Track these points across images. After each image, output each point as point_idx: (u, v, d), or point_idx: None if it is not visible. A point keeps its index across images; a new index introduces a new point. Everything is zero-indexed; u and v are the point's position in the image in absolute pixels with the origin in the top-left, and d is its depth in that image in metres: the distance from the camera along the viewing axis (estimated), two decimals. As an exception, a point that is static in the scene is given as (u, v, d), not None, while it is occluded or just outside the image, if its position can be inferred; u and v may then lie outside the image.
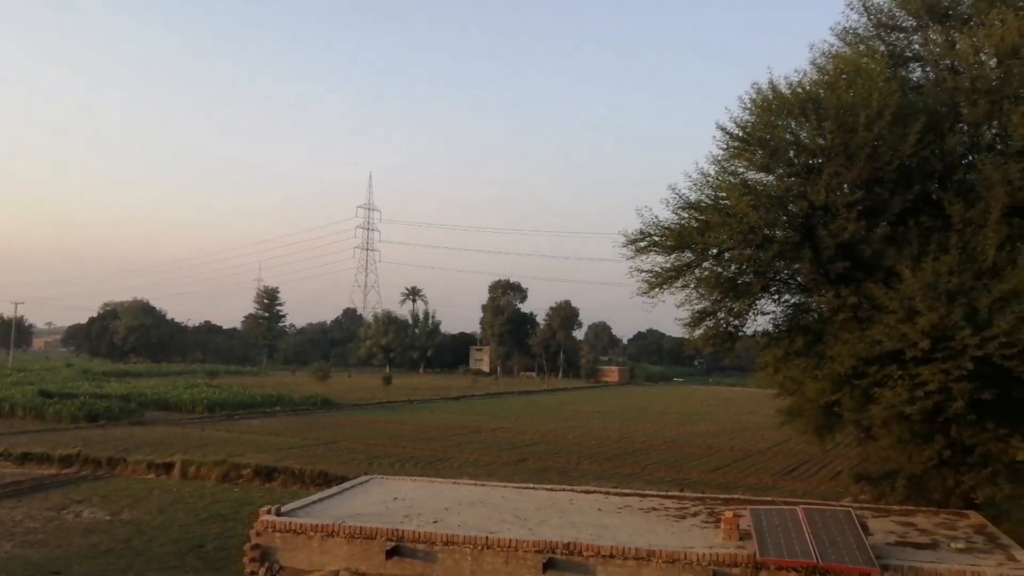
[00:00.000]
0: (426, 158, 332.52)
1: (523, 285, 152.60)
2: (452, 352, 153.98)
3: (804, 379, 18.49)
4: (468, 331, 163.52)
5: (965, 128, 17.24)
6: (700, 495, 19.83)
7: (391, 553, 14.06)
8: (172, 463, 33.79)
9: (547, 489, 19.32)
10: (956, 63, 18.29)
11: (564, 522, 15.21)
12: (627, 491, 19.76)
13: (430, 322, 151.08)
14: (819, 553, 12.69)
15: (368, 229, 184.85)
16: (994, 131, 17.23)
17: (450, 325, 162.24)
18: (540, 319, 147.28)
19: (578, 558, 13.37)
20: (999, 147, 16.83)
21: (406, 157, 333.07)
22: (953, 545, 13.83)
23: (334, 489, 18.70)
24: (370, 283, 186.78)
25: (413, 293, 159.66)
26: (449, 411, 70.10)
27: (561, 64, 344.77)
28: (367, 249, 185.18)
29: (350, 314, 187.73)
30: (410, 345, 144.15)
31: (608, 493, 18.85)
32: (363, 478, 19.79)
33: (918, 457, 16.79)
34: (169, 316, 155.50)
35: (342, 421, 58.26)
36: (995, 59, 17.30)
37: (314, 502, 16.68)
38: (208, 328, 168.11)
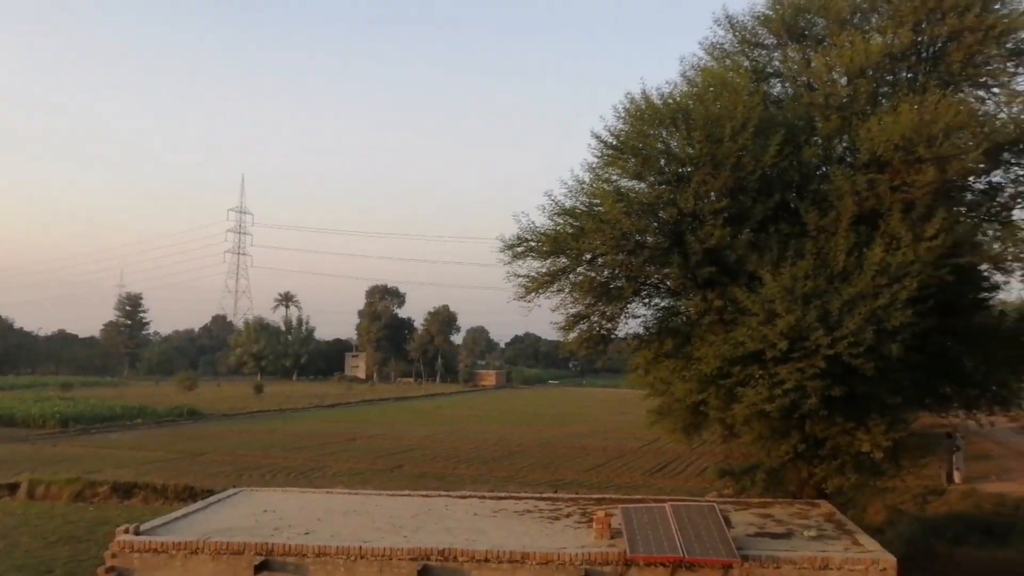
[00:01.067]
0: (302, 161, 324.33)
1: (401, 290, 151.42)
2: (327, 359, 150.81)
3: (673, 380, 19.12)
4: (344, 337, 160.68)
5: (819, 141, 18.30)
6: (574, 496, 20.17)
7: (260, 568, 13.51)
8: (17, 483, 31.43)
9: (423, 495, 19.14)
10: (811, 80, 19.45)
11: (440, 528, 15.08)
12: (502, 494, 19.85)
13: (304, 328, 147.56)
14: (685, 547, 13.13)
15: (240, 233, 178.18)
16: (844, 145, 18.37)
17: (325, 331, 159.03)
18: (418, 324, 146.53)
19: (453, 564, 13.27)
20: (849, 160, 17.96)
21: (281, 159, 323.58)
22: (806, 533, 14.61)
23: (199, 504, 17.83)
24: (241, 288, 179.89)
25: (286, 299, 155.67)
26: (323, 419, 68.63)
27: (440, 66, 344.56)
28: (239, 253, 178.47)
29: (220, 321, 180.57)
30: (283, 352, 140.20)
31: (484, 497, 18.85)
32: (231, 491, 18.98)
33: (776, 452, 17.64)
34: (17, 325, 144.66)
35: (210, 432, 55.99)
36: (845, 78, 18.51)
37: (177, 518, 15.83)
38: (62, 337, 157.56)
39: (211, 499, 18.21)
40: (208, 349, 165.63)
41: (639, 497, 20.03)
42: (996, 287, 19.25)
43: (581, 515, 16.30)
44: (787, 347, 15.26)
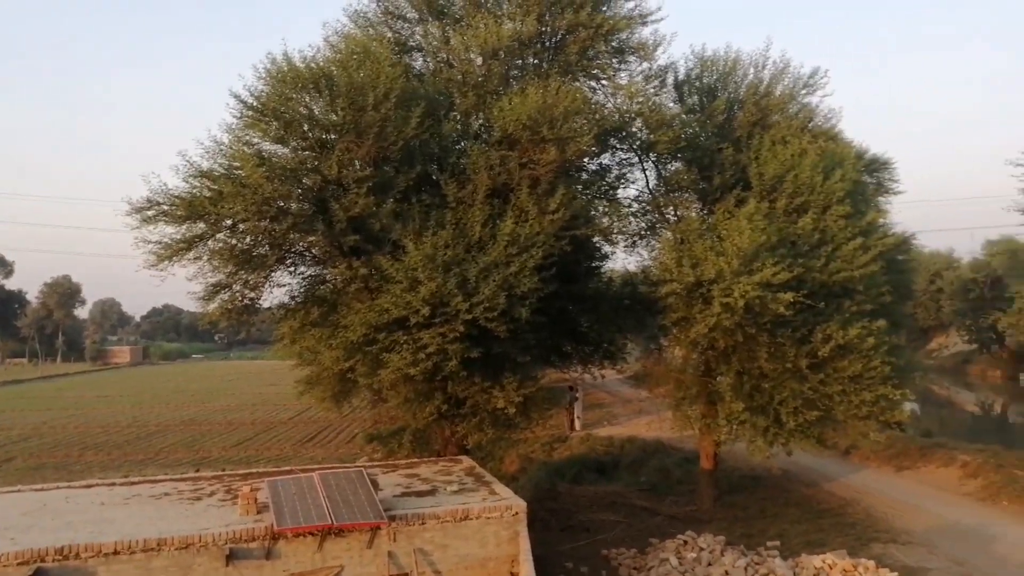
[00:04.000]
0: None
1: (8, 258, 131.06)
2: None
3: (320, 348, 19.02)
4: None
5: (458, 117, 19.19)
6: (218, 473, 19.24)
7: None
8: None
9: (37, 490, 16.91)
10: (451, 57, 20.31)
11: (58, 524, 13.46)
12: (136, 479, 18.29)
13: None
14: (333, 514, 13.24)
15: None
16: (480, 121, 19.49)
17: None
18: (32, 297, 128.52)
19: (75, 562, 11.95)
20: (484, 136, 19.10)
21: None
22: (448, 489, 15.55)
23: None
24: None
25: None
26: (-96, 413, 57.44)
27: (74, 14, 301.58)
28: None
29: None
30: None
31: (113, 484, 17.20)
32: None
33: (421, 413, 18.41)
34: None
35: None
36: (480, 58, 19.61)
37: None
38: None
39: None
40: None
41: (288, 468, 19.71)
42: (605, 256, 22.02)
43: (226, 493, 15.64)
44: (429, 313, 15.91)
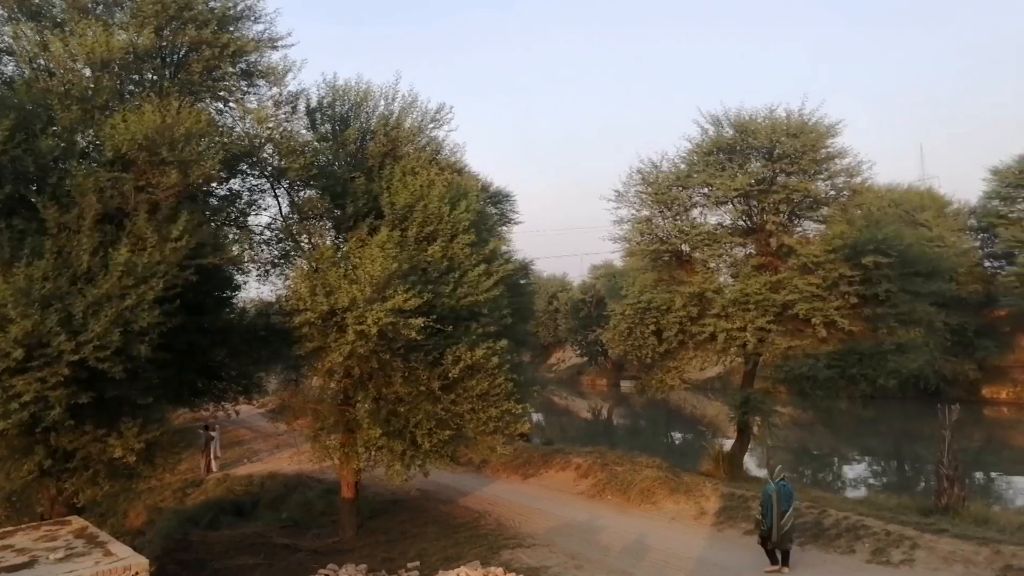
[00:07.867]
0: None
1: None
2: None
3: None
4: None
5: (60, 132, 17.02)
6: None
7: None
8: None
9: None
10: (51, 65, 17.99)
11: None
12: None
13: None
14: None
15: None
16: (89, 139, 17.51)
17: None
18: None
19: None
20: (93, 155, 17.20)
21: None
22: (52, 556, 13.52)
23: None
24: None
25: None
26: None
27: None
28: None
29: None
30: None
31: None
32: None
33: (17, 473, 15.88)
34: None
35: None
36: (88, 68, 17.66)
37: None
38: None
39: None
40: None
41: None
42: (238, 286, 20.99)
43: None
44: (24, 356, 13.81)
